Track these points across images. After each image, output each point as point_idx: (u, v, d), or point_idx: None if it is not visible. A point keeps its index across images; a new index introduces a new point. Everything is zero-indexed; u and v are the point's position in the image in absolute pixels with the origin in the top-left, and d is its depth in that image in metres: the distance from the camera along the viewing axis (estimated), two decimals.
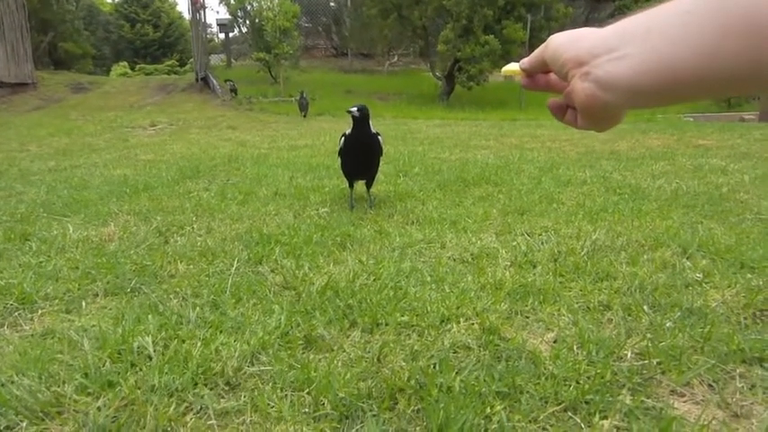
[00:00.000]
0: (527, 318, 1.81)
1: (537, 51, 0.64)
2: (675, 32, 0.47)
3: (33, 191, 3.92)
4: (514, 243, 2.56)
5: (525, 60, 0.68)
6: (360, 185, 3.60)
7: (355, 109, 3.05)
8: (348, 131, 3.24)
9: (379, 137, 3.31)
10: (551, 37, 0.61)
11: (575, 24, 22.32)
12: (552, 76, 0.67)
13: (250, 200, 3.57)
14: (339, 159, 3.42)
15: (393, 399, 1.34)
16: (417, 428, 1.25)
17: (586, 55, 0.53)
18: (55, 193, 3.80)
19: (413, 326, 1.73)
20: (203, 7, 17.23)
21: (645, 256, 2.37)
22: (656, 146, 6.39)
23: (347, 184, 3.44)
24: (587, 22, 23.37)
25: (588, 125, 0.61)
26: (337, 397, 1.32)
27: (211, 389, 1.39)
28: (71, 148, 6.61)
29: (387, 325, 1.73)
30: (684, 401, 1.36)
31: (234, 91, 14.52)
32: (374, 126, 3.30)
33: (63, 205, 3.40)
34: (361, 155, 3.28)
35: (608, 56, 0.51)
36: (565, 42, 0.57)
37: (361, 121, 3.12)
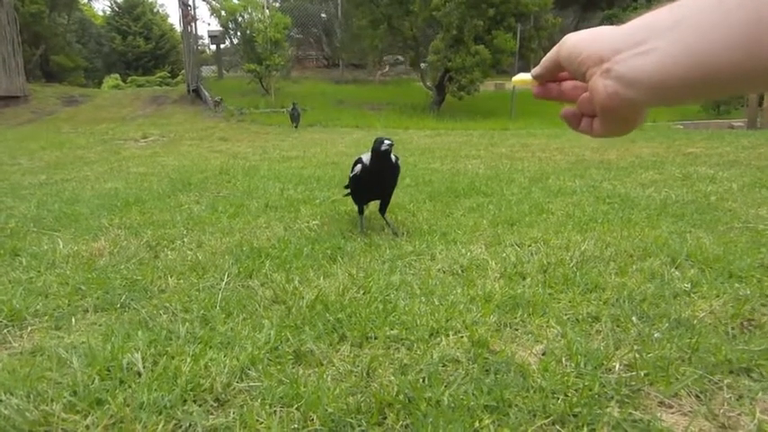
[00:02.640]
0: (516, 330, 1.82)
1: (550, 54, 0.61)
2: (707, 24, 0.44)
3: (24, 205, 3.91)
4: (504, 254, 2.57)
5: (537, 67, 0.64)
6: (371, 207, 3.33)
7: (389, 143, 2.77)
8: (365, 158, 2.93)
9: (399, 161, 3.03)
10: (566, 36, 0.58)
11: (564, 33, 22.44)
12: (565, 84, 0.64)
13: (241, 213, 3.57)
14: (350, 184, 3.12)
15: (382, 413, 1.34)
16: None
17: (608, 51, 0.50)
18: (45, 208, 3.79)
19: (402, 339, 1.73)
20: (194, 19, 17.26)
21: (634, 267, 2.38)
22: (646, 154, 6.43)
23: (357, 209, 3.17)
24: (576, 30, 23.52)
25: (606, 129, 0.58)
26: (326, 412, 1.32)
27: (200, 405, 1.39)
28: (62, 162, 6.60)
29: (376, 339, 1.73)
30: (672, 413, 1.37)
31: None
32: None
33: (53, 220, 3.39)
34: (380, 184, 3.01)
35: (632, 50, 0.48)
36: (582, 40, 0.55)
37: (388, 154, 2.84)
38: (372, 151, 2.85)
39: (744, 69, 0.43)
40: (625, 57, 0.49)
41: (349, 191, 3.20)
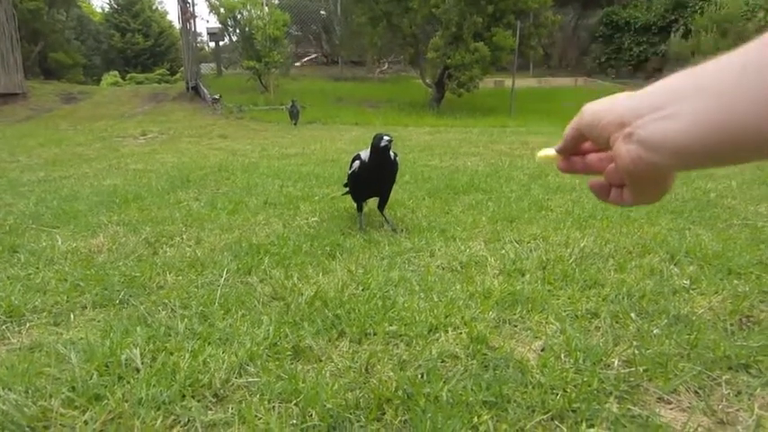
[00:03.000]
0: (515, 326, 1.82)
1: (571, 125, 0.60)
2: (730, 90, 0.43)
3: (22, 202, 3.90)
4: (503, 251, 2.57)
5: (560, 142, 0.64)
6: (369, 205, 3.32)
7: (389, 139, 2.76)
8: (364, 155, 2.92)
9: (397, 158, 3.02)
10: (585, 106, 0.57)
11: (563, 30, 22.48)
12: (590, 156, 0.63)
13: (240, 209, 3.57)
14: (349, 181, 3.12)
15: (380, 409, 1.34)
16: None
17: (629, 115, 0.50)
18: (44, 205, 3.78)
19: (401, 335, 1.73)
20: (193, 16, 17.22)
21: (633, 263, 2.38)
22: None
23: (356, 207, 3.16)
24: (576, 28, 23.52)
25: (636, 196, 0.57)
26: (325, 408, 1.32)
27: (199, 401, 1.39)
28: (61, 159, 6.58)
29: (375, 335, 1.73)
30: (671, 409, 1.37)
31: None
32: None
33: (52, 216, 3.39)
34: (379, 180, 3.00)
35: (653, 114, 0.48)
36: (603, 107, 0.54)
37: (387, 150, 2.83)
38: (371, 147, 2.83)
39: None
40: (647, 121, 0.48)
41: (348, 189, 3.18)
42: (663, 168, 0.50)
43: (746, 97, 0.42)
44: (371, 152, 2.85)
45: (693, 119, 0.45)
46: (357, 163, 2.94)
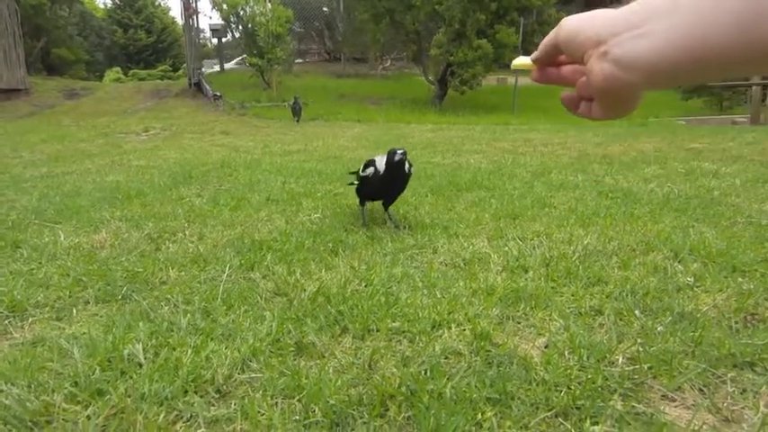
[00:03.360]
0: (518, 323, 1.81)
1: (548, 37, 0.60)
2: (705, 8, 0.44)
3: (25, 198, 3.90)
4: (506, 248, 2.57)
5: (536, 51, 0.64)
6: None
7: (402, 152, 2.70)
8: (379, 164, 2.85)
9: (412, 168, 2.96)
10: (564, 19, 0.57)
11: None
12: (565, 68, 0.64)
13: (242, 206, 3.56)
14: (359, 183, 3.05)
15: (384, 405, 1.34)
16: None
17: (605, 33, 0.50)
18: (47, 200, 3.78)
19: (404, 332, 1.73)
20: (196, 12, 17.22)
21: (636, 261, 2.37)
22: (649, 149, 6.41)
23: (359, 202, 3.14)
24: None
25: (605, 111, 0.57)
26: (328, 404, 1.32)
27: (201, 397, 1.39)
28: (63, 155, 6.59)
29: (378, 331, 1.73)
30: (675, 406, 1.37)
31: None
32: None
33: (55, 212, 3.39)
34: (389, 189, 2.96)
35: (629, 33, 0.48)
36: (580, 23, 0.54)
37: (402, 164, 2.77)
38: (386, 161, 2.78)
39: (739, 52, 0.43)
40: (622, 39, 0.49)
41: (355, 183, 3.14)
42: (635, 86, 0.51)
43: (721, 15, 0.43)
44: (386, 165, 2.79)
45: (667, 36, 0.46)
46: (371, 170, 2.89)
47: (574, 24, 0.55)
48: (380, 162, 2.84)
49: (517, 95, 14.75)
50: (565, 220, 3.07)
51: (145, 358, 1.54)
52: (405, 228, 2.99)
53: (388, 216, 3.11)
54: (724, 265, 2.28)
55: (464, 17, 13.79)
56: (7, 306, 1.94)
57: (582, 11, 0.56)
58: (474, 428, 1.25)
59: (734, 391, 1.41)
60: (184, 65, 22.65)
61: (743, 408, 1.35)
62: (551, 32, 0.60)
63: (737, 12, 0.42)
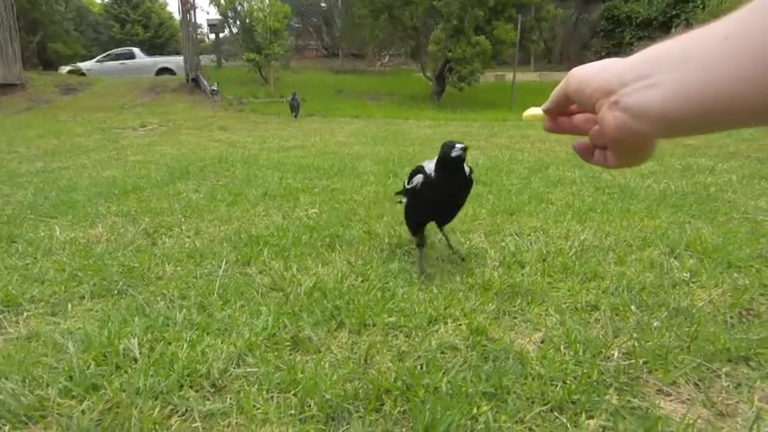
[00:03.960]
0: (515, 318, 1.81)
1: (558, 88, 0.61)
2: (712, 60, 0.44)
3: (21, 192, 3.89)
4: (503, 243, 2.57)
5: (546, 102, 0.65)
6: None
7: (462, 147, 1.97)
8: (428, 167, 2.14)
9: (472, 174, 2.17)
10: (572, 70, 0.58)
11: (564, 25, 22.42)
12: (576, 117, 0.65)
13: (239, 201, 3.56)
14: (407, 200, 2.35)
15: (379, 400, 1.34)
16: (403, 430, 1.25)
17: (615, 83, 0.51)
18: (42, 195, 3.77)
19: (400, 327, 1.73)
20: (193, 8, 17.16)
21: (633, 256, 2.38)
22: None
23: (410, 231, 2.41)
24: (577, 22, 23.43)
25: (619, 160, 0.58)
26: (324, 398, 1.32)
27: (197, 391, 1.39)
28: (60, 150, 6.57)
29: (374, 326, 1.73)
30: (670, 401, 1.37)
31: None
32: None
33: (50, 207, 3.38)
34: (447, 202, 2.22)
35: (639, 83, 0.49)
36: (590, 73, 0.55)
37: (462, 161, 2.04)
38: (439, 158, 2.06)
39: (749, 104, 0.43)
40: (632, 89, 0.49)
41: (402, 201, 2.46)
42: (647, 135, 0.51)
43: (728, 67, 0.43)
44: (439, 165, 2.08)
45: (676, 87, 0.46)
46: (419, 178, 2.19)
47: (583, 75, 0.56)
48: (429, 166, 2.15)
49: (515, 92, 14.73)
50: (562, 215, 3.07)
51: (140, 353, 1.54)
52: (464, 259, 2.41)
53: (445, 239, 2.47)
54: (720, 260, 2.28)
55: (462, 13, 13.76)
56: (2, 301, 1.93)
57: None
58: (469, 423, 1.25)
59: (729, 385, 1.42)
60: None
61: (737, 402, 1.35)
62: (561, 83, 0.60)
63: (740, 65, 0.42)
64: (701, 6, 18.12)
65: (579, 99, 0.57)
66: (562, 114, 0.66)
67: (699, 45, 0.46)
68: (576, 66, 0.59)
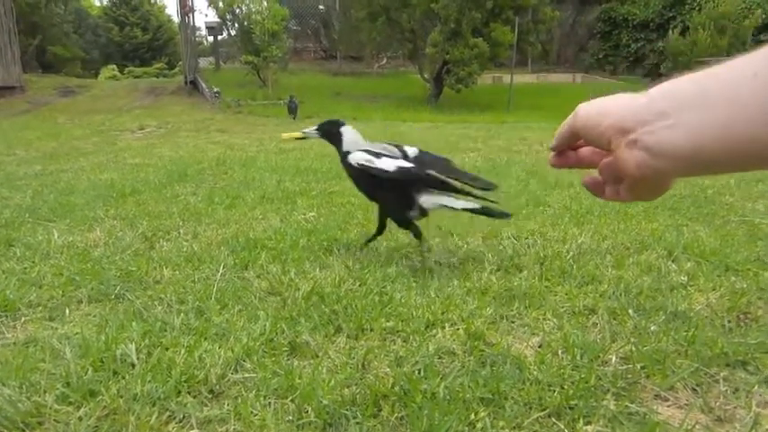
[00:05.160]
0: (512, 322, 1.81)
1: (564, 125, 0.60)
2: (741, 98, 0.43)
3: (19, 195, 3.88)
4: (501, 247, 2.57)
5: (553, 140, 0.64)
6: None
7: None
8: (409, 151, 2.43)
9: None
10: (579, 106, 0.57)
11: (561, 27, 22.44)
12: (582, 150, 0.64)
13: (237, 204, 3.56)
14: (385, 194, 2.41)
15: (377, 405, 1.34)
16: None
17: (632, 122, 0.49)
18: (41, 198, 3.77)
19: (398, 331, 1.73)
20: (192, 10, 17.17)
21: (630, 260, 2.38)
22: None
23: (401, 227, 2.48)
24: (574, 24, 23.47)
25: (635, 196, 0.57)
26: (321, 404, 1.31)
27: (194, 397, 1.38)
28: (58, 152, 6.56)
29: (372, 331, 1.73)
30: (668, 406, 1.37)
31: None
32: (362, 135, 2.66)
33: (48, 210, 3.37)
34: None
35: (659, 123, 0.47)
36: (600, 110, 0.54)
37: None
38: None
39: None
40: (652, 129, 0.48)
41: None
42: (668, 175, 0.50)
43: (759, 106, 0.42)
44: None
45: (702, 128, 0.45)
46: (399, 162, 2.32)
47: (592, 112, 0.55)
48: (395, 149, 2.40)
49: (512, 94, 14.75)
50: (559, 218, 3.08)
51: (138, 358, 1.54)
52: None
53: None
54: (717, 264, 2.28)
55: (460, 16, 13.78)
56: (0, 305, 1.93)
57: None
58: (467, 428, 1.25)
59: (726, 390, 1.42)
60: (180, 63, 22.60)
61: (735, 407, 1.35)
62: (566, 120, 0.59)
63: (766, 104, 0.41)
64: (697, 9, 18.17)
65: (589, 136, 0.56)
66: (568, 149, 0.65)
67: (725, 83, 0.45)
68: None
